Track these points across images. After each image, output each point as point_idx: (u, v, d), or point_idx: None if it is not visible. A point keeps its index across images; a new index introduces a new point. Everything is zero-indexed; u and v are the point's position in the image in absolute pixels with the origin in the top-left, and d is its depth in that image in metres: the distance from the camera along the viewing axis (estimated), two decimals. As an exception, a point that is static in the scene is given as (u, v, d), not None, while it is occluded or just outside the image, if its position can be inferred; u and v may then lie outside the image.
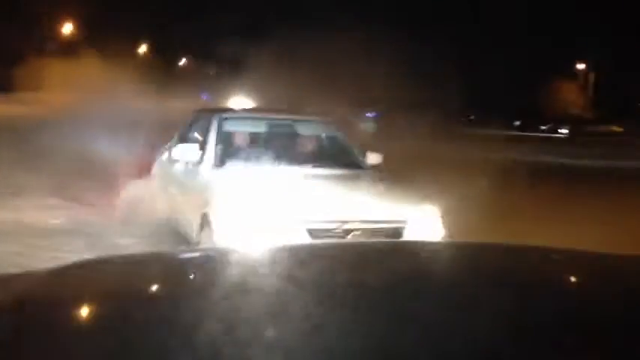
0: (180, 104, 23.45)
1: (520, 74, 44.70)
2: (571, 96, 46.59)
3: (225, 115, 5.59)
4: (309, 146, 5.45)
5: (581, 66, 47.56)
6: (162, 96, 30.75)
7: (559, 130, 41.65)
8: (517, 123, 46.30)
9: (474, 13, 44.13)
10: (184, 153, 4.96)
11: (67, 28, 39.59)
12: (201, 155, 4.96)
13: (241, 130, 5.46)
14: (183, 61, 48.37)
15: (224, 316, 0.90)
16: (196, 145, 5.07)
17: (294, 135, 5.53)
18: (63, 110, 21.36)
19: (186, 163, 4.97)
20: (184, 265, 1.30)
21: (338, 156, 5.42)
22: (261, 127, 5.56)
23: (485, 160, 11.99)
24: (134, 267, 1.28)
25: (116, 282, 1.15)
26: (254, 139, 5.48)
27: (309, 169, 4.88)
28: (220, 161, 4.91)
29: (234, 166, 4.79)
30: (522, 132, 39.41)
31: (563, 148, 22.09)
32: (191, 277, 1.23)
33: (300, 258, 1.28)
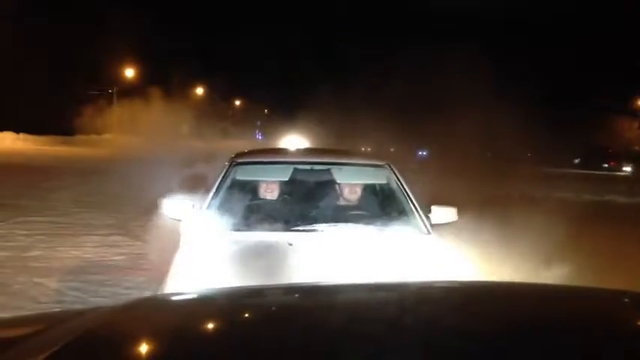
0: (236, 144, 24.02)
1: (574, 111, 43.69)
2: (633, 133, 45.19)
3: (238, 160, 4.12)
4: (348, 200, 3.85)
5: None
6: (219, 136, 31.66)
7: (623, 169, 40.29)
8: (577, 161, 45.01)
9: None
10: (174, 209, 3.74)
11: (129, 73, 41.50)
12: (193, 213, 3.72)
13: (258, 179, 4.03)
14: (238, 103, 49.70)
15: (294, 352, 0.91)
16: (188, 201, 3.75)
17: (329, 185, 3.96)
18: (126, 152, 22.18)
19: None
20: (244, 302, 1.29)
21: (388, 214, 3.67)
22: (282, 175, 4.04)
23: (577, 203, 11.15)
24: (194, 304, 1.29)
25: (177, 319, 1.16)
26: (271, 191, 3.94)
27: (333, 236, 3.33)
28: (213, 222, 3.55)
29: (228, 229, 3.46)
30: (583, 169, 38.24)
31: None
32: (250, 314, 1.22)
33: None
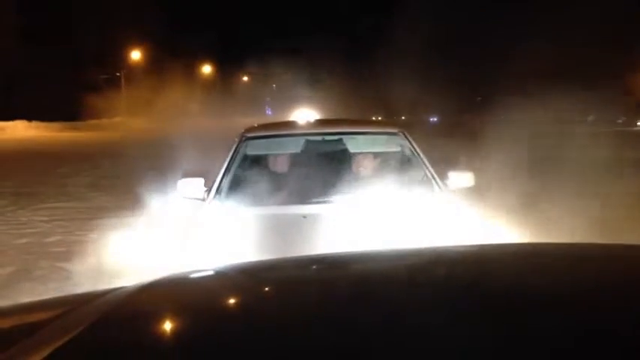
0: (245, 121, 24.00)
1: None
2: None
3: (248, 134, 4.01)
4: (362, 169, 3.72)
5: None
6: (228, 114, 31.61)
7: (638, 124, 39.60)
8: (590, 118, 44.17)
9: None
10: (187, 189, 3.68)
11: (136, 55, 41.38)
12: (208, 191, 3.65)
13: (271, 152, 3.95)
14: (245, 79, 49.49)
15: (317, 326, 0.91)
16: (201, 180, 3.71)
17: (342, 155, 3.85)
18: (137, 134, 22.29)
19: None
20: (265, 276, 1.29)
21: (403, 182, 3.49)
22: (294, 147, 3.97)
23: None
24: (215, 280, 1.29)
25: (199, 296, 1.17)
26: (282, 165, 3.87)
27: (348, 206, 3.25)
28: (224, 199, 3.52)
29: (241, 206, 3.41)
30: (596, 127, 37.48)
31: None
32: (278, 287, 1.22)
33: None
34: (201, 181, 3.69)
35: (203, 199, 3.60)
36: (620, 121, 39.55)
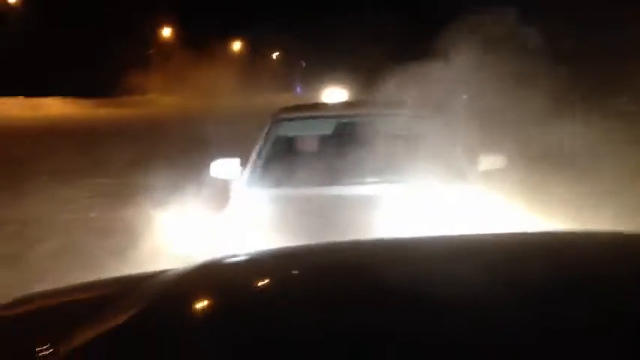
0: (275, 99, 24.00)
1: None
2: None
3: (281, 116, 4.08)
4: (392, 151, 3.63)
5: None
6: (259, 92, 31.65)
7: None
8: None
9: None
10: (221, 170, 3.78)
11: (166, 32, 41.64)
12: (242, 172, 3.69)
13: (303, 134, 4.01)
14: (275, 56, 49.39)
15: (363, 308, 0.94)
16: (237, 160, 3.80)
17: (372, 137, 3.76)
18: (170, 111, 22.51)
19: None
20: (310, 260, 1.31)
21: (434, 165, 3.40)
22: (325, 129, 4.02)
23: None
24: (261, 264, 1.31)
25: (246, 279, 1.19)
26: (315, 146, 3.92)
27: (379, 189, 3.27)
28: (258, 180, 3.56)
29: (271, 189, 3.46)
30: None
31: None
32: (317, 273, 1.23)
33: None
34: (235, 161, 3.75)
35: (237, 180, 3.65)
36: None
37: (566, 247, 1.29)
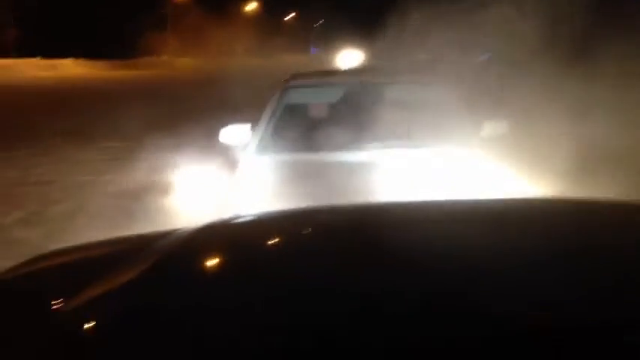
0: (290, 59, 23.78)
1: None
2: None
3: (292, 83, 4.10)
4: (401, 118, 3.69)
5: None
6: (273, 52, 31.37)
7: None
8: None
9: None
10: (231, 136, 3.81)
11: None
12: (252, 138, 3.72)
13: (314, 100, 4.05)
14: (290, 15, 48.72)
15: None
16: (248, 126, 3.82)
17: (382, 104, 3.84)
18: (184, 73, 22.44)
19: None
20: (317, 220, 1.35)
21: (440, 132, 3.50)
22: (335, 96, 4.03)
23: None
24: (268, 224, 1.34)
25: (254, 239, 1.21)
26: (323, 113, 3.96)
27: (386, 155, 3.33)
28: (268, 146, 3.59)
29: (280, 155, 3.50)
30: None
31: None
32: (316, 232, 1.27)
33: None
34: (246, 127, 3.79)
35: (248, 146, 3.69)
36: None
37: (561, 213, 1.31)
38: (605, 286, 0.87)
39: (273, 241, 1.23)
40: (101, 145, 8.06)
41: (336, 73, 5.30)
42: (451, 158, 3.30)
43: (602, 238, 1.10)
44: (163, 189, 5.55)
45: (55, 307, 0.93)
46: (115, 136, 8.61)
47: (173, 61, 34.02)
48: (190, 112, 9.86)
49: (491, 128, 3.72)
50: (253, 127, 3.83)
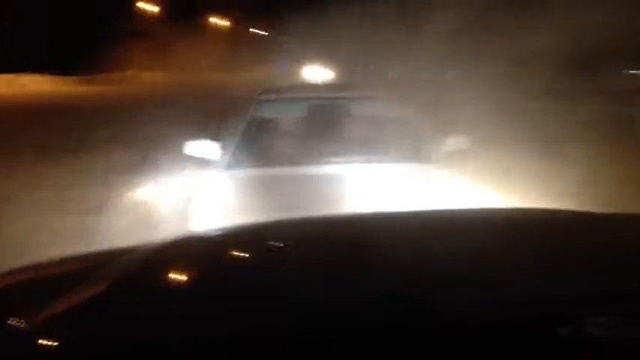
0: (257, 76, 23.74)
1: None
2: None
3: (262, 97, 4.22)
4: (365, 134, 3.79)
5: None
6: (240, 67, 31.30)
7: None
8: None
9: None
10: (197, 150, 3.81)
11: (146, 7, 40.76)
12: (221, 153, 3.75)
13: (282, 115, 4.15)
14: (258, 32, 48.82)
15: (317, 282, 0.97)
16: (212, 141, 3.85)
17: (347, 119, 3.98)
18: (149, 89, 22.18)
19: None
20: (278, 234, 1.34)
21: (400, 146, 3.62)
22: (304, 111, 4.12)
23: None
24: (232, 238, 1.35)
25: (216, 254, 1.22)
26: (292, 127, 4.04)
27: (347, 170, 3.39)
28: (238, 160, 3.62)
29: (250, 169, 3.55)
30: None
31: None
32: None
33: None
34: (210, 143, 3.84)
35: (215, 160, 3.75)
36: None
37: (523, 222, 1.35)
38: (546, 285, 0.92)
39: (240, 255, 1.23)
40: (66, 160, 7.92)
41: (306, 87, 5.49)
42: (414, 172, 3.42)
43: (565, 245, 1.16)
44: (127, 204, 5.50)
45: (14, 327, 0.91)
46: (81, 152, 8.49)
47: (139, 76, 33.64)
48: (156, 129, 9.76)
49: (452, 143, 3.84)
50: (218, 142, 3.88)
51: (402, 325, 0.79)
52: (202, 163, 3.93)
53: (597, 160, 6.02)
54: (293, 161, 3.55)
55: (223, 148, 3.78)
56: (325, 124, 3.92)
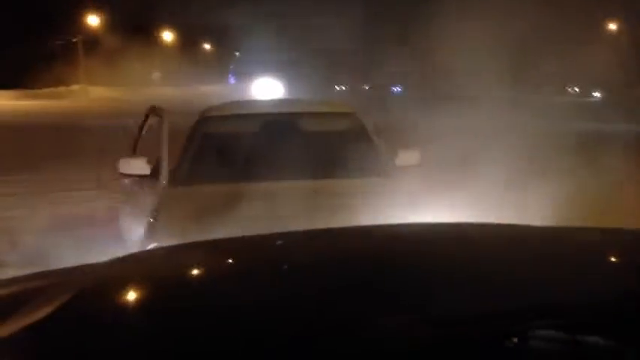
0: (209, 89, 23.60)
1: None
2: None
3: (207, 114, 4.19)
4: (315, 149, 3.80)
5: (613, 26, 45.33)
6: (190, 82, 31.02)
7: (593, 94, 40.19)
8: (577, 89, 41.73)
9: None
10: (129, 167, 3.74)
11: (93, 20, 40.00)
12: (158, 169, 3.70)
13: (228, 131, 4.12)
14: (208, 47, 48.55)
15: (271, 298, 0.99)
16: (144, 159, 3.78)
17: (297, 135, 3.96)
18: (97, 103, 21.70)
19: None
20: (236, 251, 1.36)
21: (350, 160, 3.61)
22: (250, 127, 4.11)
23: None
24: (186, 255, 1.35)
25: (173, 271, 1.22)
26: (243, 144, 4.01)
27: (299, 186, 3.40)
28: (183, 177, 3.62)
29: (195, 185, 3.53)
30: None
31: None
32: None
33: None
34: (143, 159, 3.74)
35: (149, 177, 3.68)
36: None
37: (476, 237, 1.37)
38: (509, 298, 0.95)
39: (190, 272, 1.23)
40: (10, 178, 7.68)
41: (252, 103, 5.36)
42: (365, 187, 3.41)
43: (516, 258, 1.18)
44: (70, 223, 5.36)
45: None
46: (26, 169, 8.23)
47: (85, 91, 32.92)
48: (101, 145, 9.58)
49: (404, 157, 3.84)
50: (150, 159, 3.80)
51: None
52: (138, 180, 3.86)
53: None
54: (236, 178, 3.50)
55: (169, 163, 3.71)
56: (273, 139, 3.90)
